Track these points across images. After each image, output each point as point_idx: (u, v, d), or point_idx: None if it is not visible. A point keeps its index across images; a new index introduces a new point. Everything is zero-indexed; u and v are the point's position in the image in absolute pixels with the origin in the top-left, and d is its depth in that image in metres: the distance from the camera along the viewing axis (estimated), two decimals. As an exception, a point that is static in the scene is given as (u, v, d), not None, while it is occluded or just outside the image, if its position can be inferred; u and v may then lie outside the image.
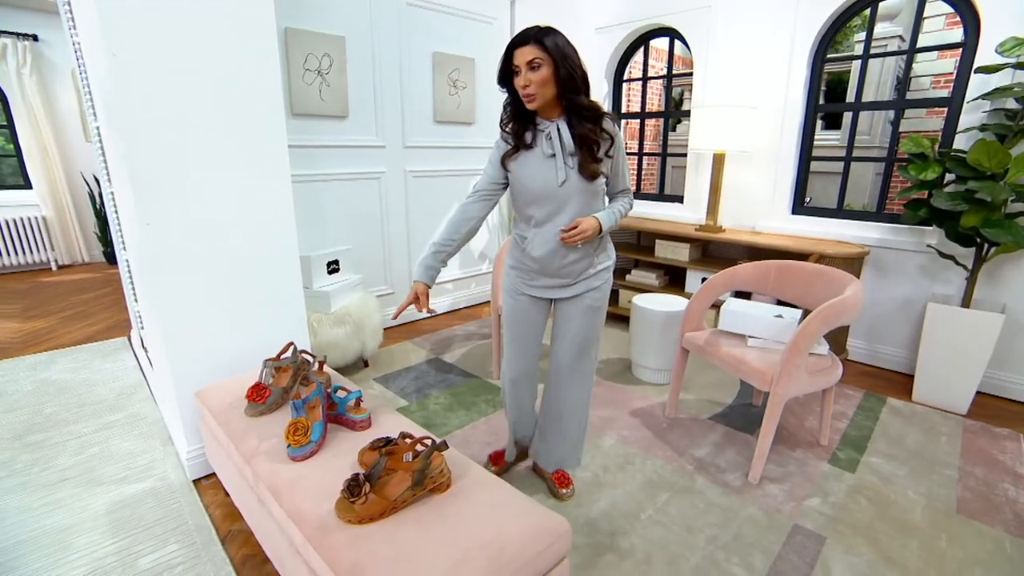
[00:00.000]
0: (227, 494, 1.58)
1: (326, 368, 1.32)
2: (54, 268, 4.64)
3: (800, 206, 2.70)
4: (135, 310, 2.47)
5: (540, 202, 1.28)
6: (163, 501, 1.53)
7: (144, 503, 1.55)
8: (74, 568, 1.35)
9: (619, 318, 3.22)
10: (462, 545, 0.88)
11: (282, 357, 1.41)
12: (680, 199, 3.08)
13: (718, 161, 2.71)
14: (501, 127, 1.31)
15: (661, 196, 3.20)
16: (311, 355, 1.51)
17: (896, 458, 1.89)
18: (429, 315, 1.23)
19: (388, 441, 1.14)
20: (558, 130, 1.24)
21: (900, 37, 5.96)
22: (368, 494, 0.97)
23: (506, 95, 1.27)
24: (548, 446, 1.51)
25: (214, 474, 1.68)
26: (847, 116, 6.32)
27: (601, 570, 1.37)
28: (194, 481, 1.64)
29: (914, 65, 5.85)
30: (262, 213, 1.63)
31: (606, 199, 1.38)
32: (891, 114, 6.10)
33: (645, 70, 3.24)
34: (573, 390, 1.46)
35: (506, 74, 1.21)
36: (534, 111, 1.25)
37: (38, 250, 4.48)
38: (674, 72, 3.12)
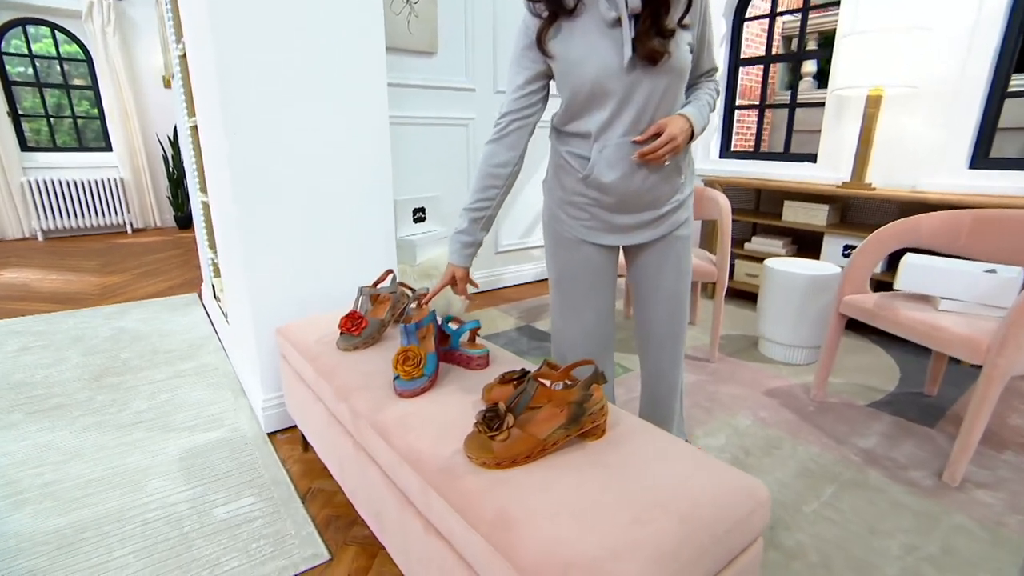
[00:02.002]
0: (306, 448, 1.52)
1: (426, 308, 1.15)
2: (129, 231, 4.90)
3: (982, 158, 2.27)
4: (208, 259, 2.45)
5: (598, 98, 0.94)
6: (236, 452, 1.51)
7: (216, 452, 1.53)
8: (150, 509, 1.31)
9: (736, 294, 2.98)
10: (638, 500, 0.69)
11: (379, 286, 1.28)
12: (811, 157, 2.72)
13: (871, 104, 2.34)
14: None
15: (787, 155, 2.85)
16: (410, 288, 1.34)
17: None
18: (467, 298, 1.02)
19: (524, 373, 0.94)
20: None
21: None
22: (511, 428, 0.77)
23: None
24: None
25: (291, 428, 1.63)
26: None
27: (769, 571, 1.12)
28: (269, 435, 1.59)
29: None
30: (357, 147, 1.56)
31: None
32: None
33: (774, 6, 2.89)
34: (676, 368, 1.21)
35: None
36: None
37: (116, 212, 4.74)
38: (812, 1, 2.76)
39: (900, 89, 2.28)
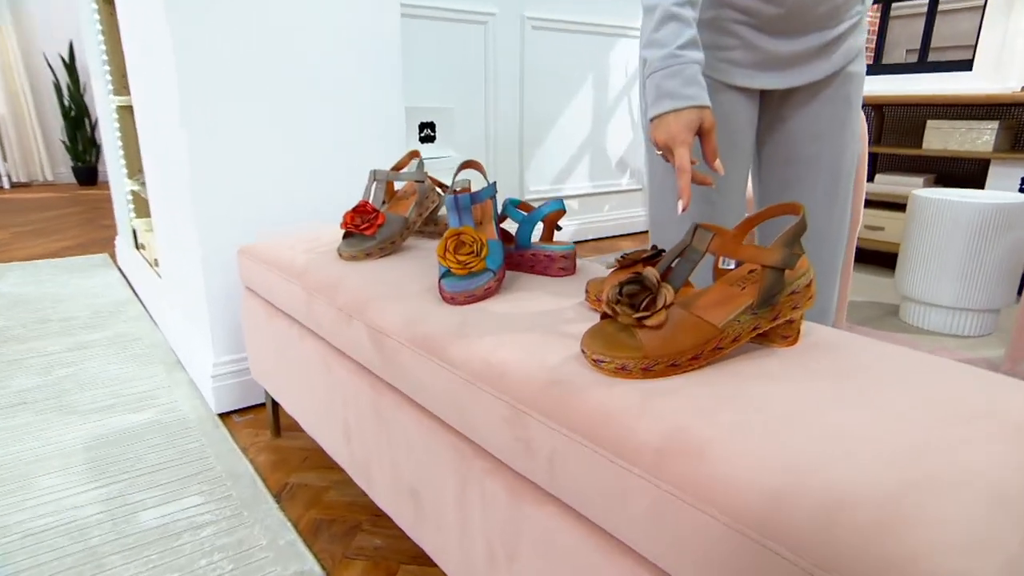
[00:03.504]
0: (278, 432, 1.45)
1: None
2: (5, 185, 4.48)
3: None
4: (126, 195, 2.30)
5: None
6: (172, 439, 1.43)
7: (142, 440, 1.43)
8: (39, 516, 1.20)
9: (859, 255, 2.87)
10: (909, 418, 0.55)
11: (403, 171, 1.18)
12: (965, 64, 2.57)
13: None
14: None
15: (923, 64, 2.69)
16: (441, 186, 1.20)
17: None
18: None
19: (657, 253, 0.77)
20: None
21: None
22: (669, 307, 0.60)
23: None
24: None
25: (254, 408, 1.58)
26: None
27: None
28: (221, 416, 1.54)
29: None
30: (358, 35, 1.56)
31: None
32: None
33: None
34: (831, 284, 1.17)
35: None
36: None
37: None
38: None
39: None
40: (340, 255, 1.08)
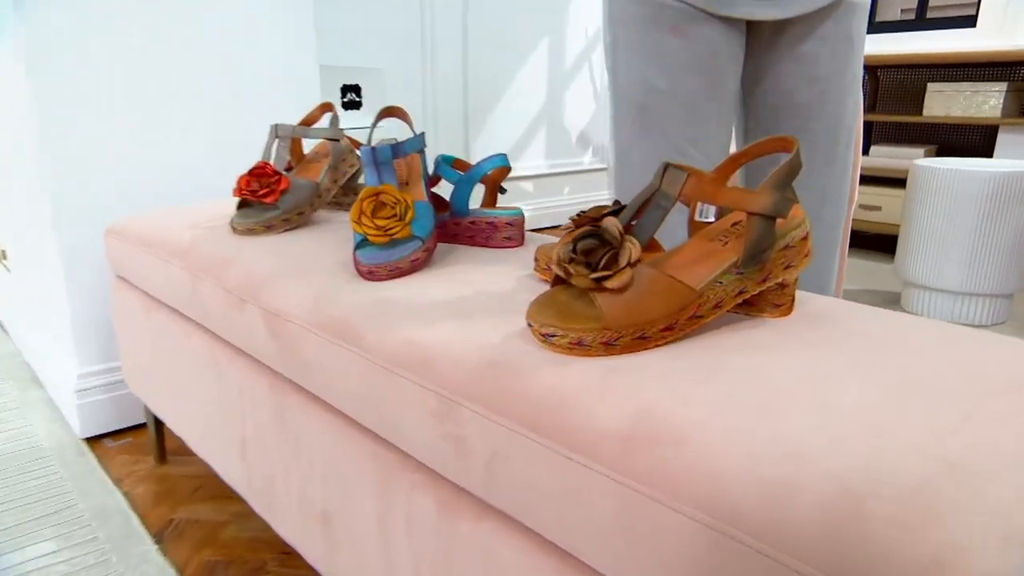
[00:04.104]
0: (162, 458, 1.40)
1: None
2: None
3: None
4: None
5: None
6: (25, 470, 1.36)
7: None
8: None
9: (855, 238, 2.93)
10: (929, 387, 0.54)
11: (314, 127, 1.15)
12: (967, 21, 2.65)
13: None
14: None
15: (922, 21, 2.77)
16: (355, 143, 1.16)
17: None
18: None
19: (621, 208, 0.73)
20: None
21: None
22: (635, 264, 0.59)
23: None
24: None
25: (133, 429, 1.54)
26: None
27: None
28: (89, 440, 1.49)
29: None
30: None
31: None
32: None
33: None
34: (832, 250, 1.21)
35: None
36: None
37: None
38: None
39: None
40: (233, 229, 1.04)
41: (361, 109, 2.24)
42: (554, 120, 3.32)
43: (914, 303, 2.11)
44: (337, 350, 0.73)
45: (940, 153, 2.70)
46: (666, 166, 0.62)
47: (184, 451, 1.39)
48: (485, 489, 0.59)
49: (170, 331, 1.12)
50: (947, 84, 2.50)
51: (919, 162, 2.06)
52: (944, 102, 2.49)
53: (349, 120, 2.21)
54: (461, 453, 0.60)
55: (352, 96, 2.19)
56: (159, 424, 1.34)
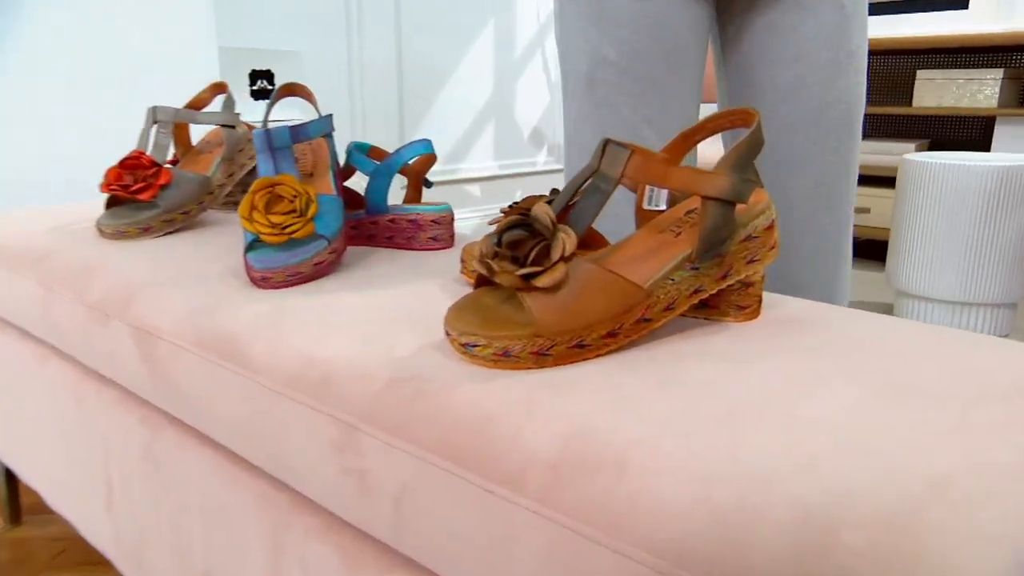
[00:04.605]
0: (16, 517, 1.40)
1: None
2: None
3: None
4: None
5: None
6: None
7: None
8: None
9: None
10: (923, 392, 0.55)
11: (204, 110, 1.17)
12: (959, 2, 2.76)
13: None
14: None
15: (910, 3, 2.88)
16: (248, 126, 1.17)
17: None
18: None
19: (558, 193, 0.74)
20: None
21: None
22: (570, 259, 0.60)
23: None
24: None
25: None
26: None
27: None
28: None
29: None
30: None
31: None
32: None
33: None
34: (845, 243, 1.21)
35: None
36: None
37: None
38: None
39: None
40: (101, 232, 1.04)
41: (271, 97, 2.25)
42: (503, 114, 3.35)
43: (908, 314, 2.17)
44: (219, 371, 0.72)
45: (933, 147, 2.81)
46: (606, 143, 0.62)
47: (43, 508, 1.36)
48: (393, 532, 0.58)
49: (19, 357, 1.11)
50: (938, 71, 2.60)
51: (909, 157, 2.12)
52: (935, 91, 2.58)
53: (259, 112, 2.20)
54: (364, 490, 0.59)
55: (263, 83, 2.22)
56: (10, 476, 1.32)
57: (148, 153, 1.05)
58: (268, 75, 2.22)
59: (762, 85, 1.12)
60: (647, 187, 0.70)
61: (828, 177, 1.13)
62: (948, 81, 2.56)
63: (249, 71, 2.19)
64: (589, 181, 0.62)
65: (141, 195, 1.00)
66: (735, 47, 1.13)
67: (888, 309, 2.33)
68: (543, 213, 0.60)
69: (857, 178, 1.23)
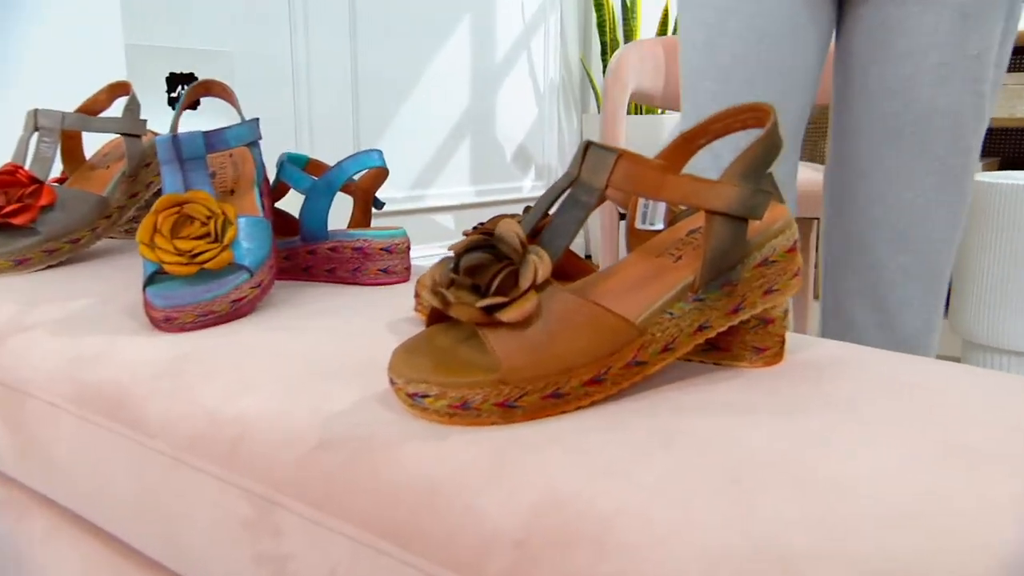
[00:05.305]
0: None
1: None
2: None
3: None
4: None
5: None
6: None
7: None
8: None
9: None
10: (973, 450, 0.57)
11: (100, 115, 1.21)
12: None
13: None
14: None
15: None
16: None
17: None
18: None
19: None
20: None
21: None
22: (543, 288, 0.61)
23: None
24: None
25: None
26: None
27: None
28: None
29: None
30: None
31: None
32: None
33: None
34: (944, 277, 1.35)
35: None
36: None
37: None
38: None
39: None
40: None
41: (198, 109, 2.27)
42: (482, 130, 3.40)
43: (990, 364, 2.17)
44: (103, 435, 0.73)
45: (1004, 166, 2.84)
46: (587, 145, 0.64)
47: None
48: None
49: None
50: (1010, 75, 2.62)
51: (977, 178, 2.14)
52: (1007, 100, 2.61)
53: (190, 117, 2.24)
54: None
55: (184, 89, 2.21)
56: None
57: (26, 167, 1.07)
58: (190, 79, 2.25)
59: (862, 83, 1.26)
60: (640, 202, 0.72)
61: (928, 191, 1.25)
62: (1022, 88, 2.60)
63: (167, 74, 2.22)
64: (567, 192, 0.63)
65: (15, 219, 1.02)
66: (847, 41, 1.27)
67: (956, 362, 2.35)
68: (510, 232, 0.60)
69: (969, 201, 1.34)
